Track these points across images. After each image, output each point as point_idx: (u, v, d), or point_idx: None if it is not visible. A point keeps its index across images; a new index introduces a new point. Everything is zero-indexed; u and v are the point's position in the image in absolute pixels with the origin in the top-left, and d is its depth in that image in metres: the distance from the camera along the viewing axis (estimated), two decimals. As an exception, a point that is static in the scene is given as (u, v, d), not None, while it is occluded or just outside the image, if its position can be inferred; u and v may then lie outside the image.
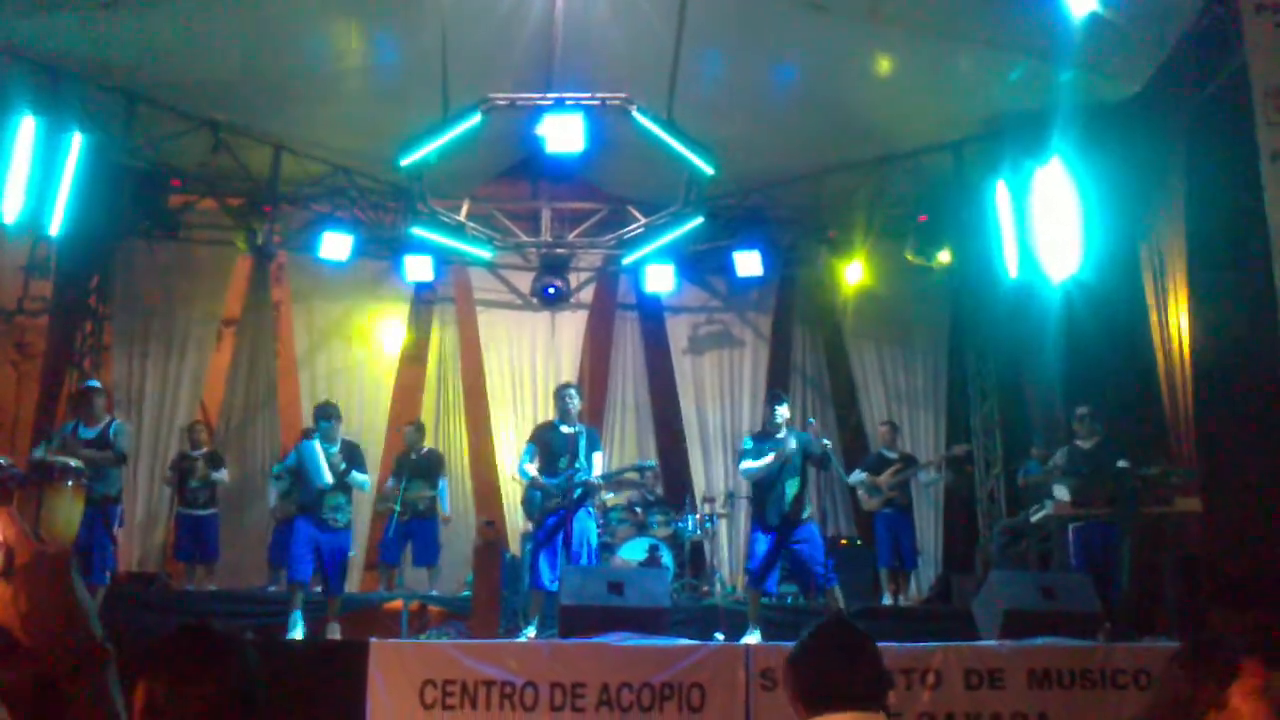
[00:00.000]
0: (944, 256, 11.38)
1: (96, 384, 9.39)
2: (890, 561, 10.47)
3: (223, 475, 10.39)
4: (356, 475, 8.52)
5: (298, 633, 7.94)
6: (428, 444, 11.03)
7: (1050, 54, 8.36)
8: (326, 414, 8.62)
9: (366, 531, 11.50)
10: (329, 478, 8.27)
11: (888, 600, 10.28)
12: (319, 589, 8.55)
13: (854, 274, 11.55)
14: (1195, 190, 8.62)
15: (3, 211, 8.96)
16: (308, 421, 10.85)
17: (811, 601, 9.08)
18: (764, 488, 8.13)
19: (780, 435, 8.15)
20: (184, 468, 10.33)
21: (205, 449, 10.44)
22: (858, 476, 10.65)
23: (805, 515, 8.02)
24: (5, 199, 8.92)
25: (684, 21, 8.35)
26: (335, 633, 8.17)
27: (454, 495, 11.76)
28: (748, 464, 8.17)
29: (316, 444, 8.42)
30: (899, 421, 11.86)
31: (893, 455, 10.77)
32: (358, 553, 11.41)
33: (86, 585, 1.20)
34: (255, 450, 11.96)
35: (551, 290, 11.63)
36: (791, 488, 8.00)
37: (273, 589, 10.00)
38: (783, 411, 8.23)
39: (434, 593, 9.92)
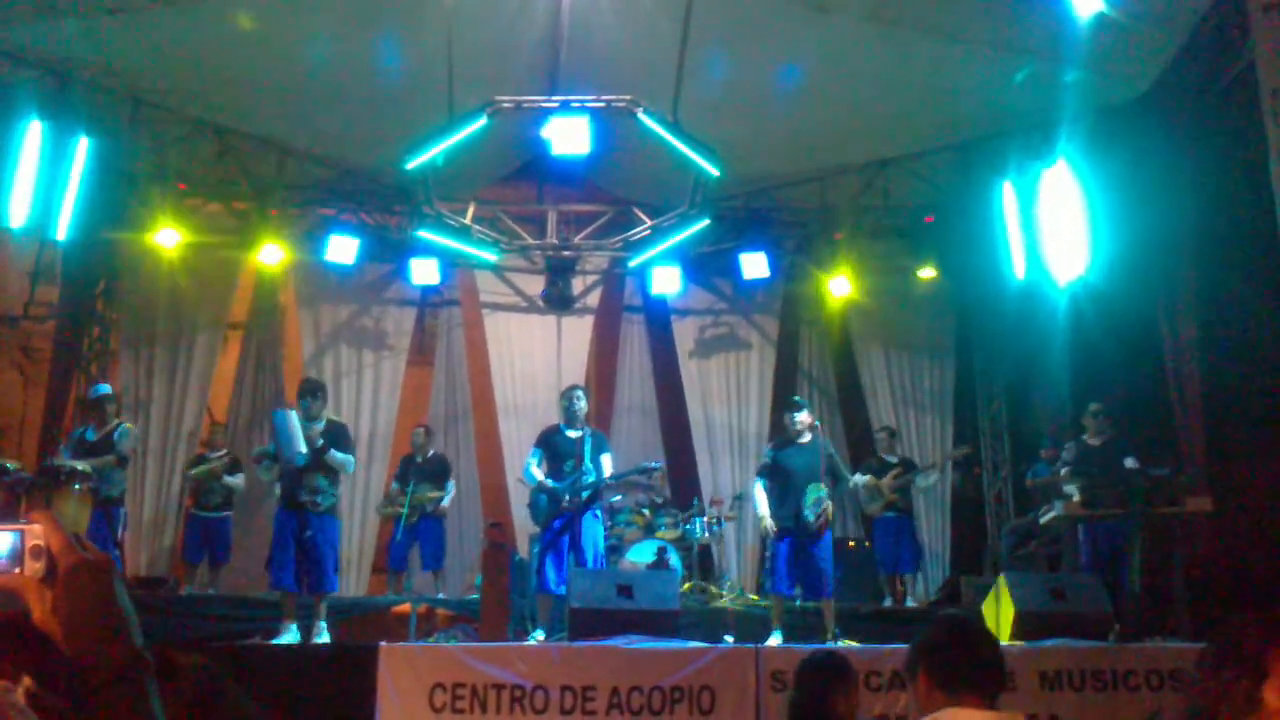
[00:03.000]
0: (926, 272, 11.45)
1: (105, 389, 9.38)
2: (890, 566, 10.47)
3: (239, 481, 10.39)
4: (337, 454, 7.81)
5: (286, 640, 7.47)
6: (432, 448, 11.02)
7: (1056, 54, 8.35)
8: (309, 390, 7.97)
9: (374, 535, 11.51)
10: (303, 448, 7.54)
11: (889, 603, 10.26)
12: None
13: (860, 276, 11.54)
14: (1203, 191, 8.60)
15: (9, 216, 8.97)
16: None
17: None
18: (781, 493, 8.11)
19: (804, 440, 8.14)
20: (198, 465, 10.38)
21: (223, 451, 10.48)
22: (860, 480, 10.63)
23: (819, 520, 7.97)
24: (12, 204, 8.93)
25: (689, 23, 8.34)
26: (323, 635, 7.65)
27: (461, 498, 11.77)
28: (757, 489, 8.27)
29: (292, 413, 7.69)
30: (906, 423, 11.87)
31: (893, 460, 10.76)
32: (363, 557, 11.46)
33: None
34: (262, 454, 11.98)
35: (546, 293, 11.64)
36: (812, 492, 7.95)
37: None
38: (801, 419, 8.19)
39: (441, 596, 9.91)
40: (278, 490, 8.00)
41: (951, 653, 2.63)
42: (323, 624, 7.72)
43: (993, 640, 2.72)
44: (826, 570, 7.94)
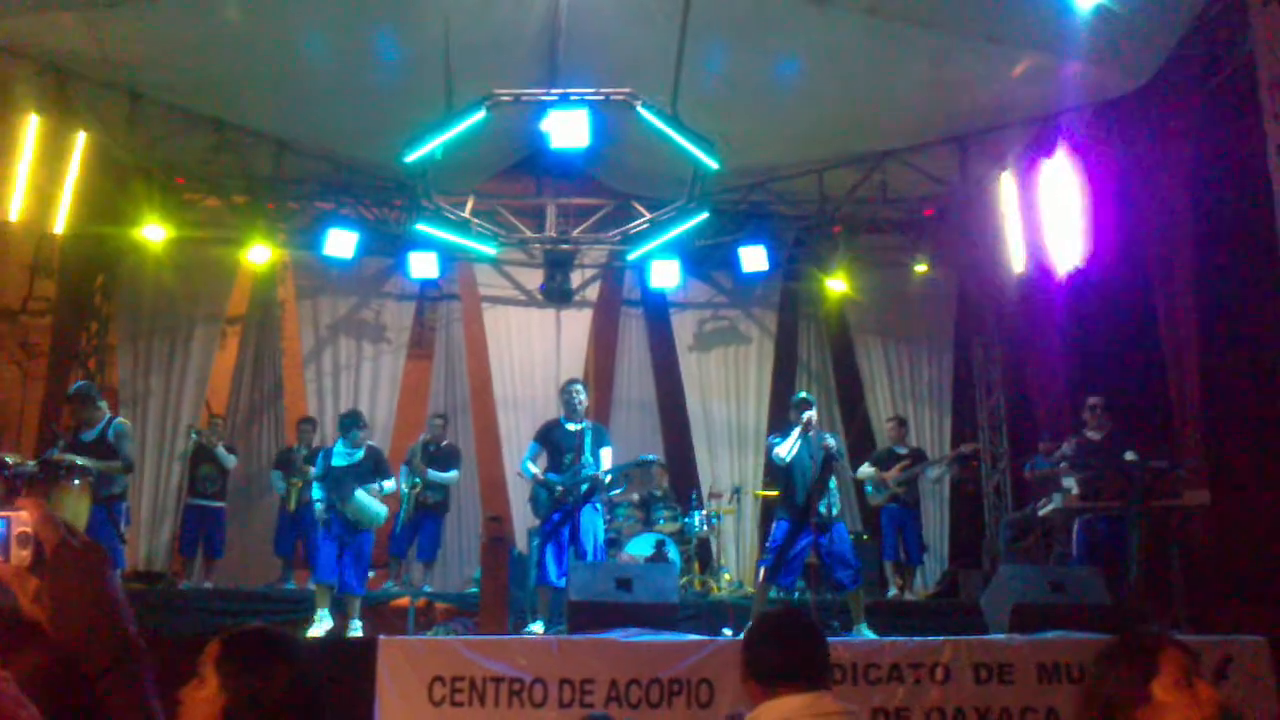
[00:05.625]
0: (925, 266, 11.47)
1: (82, 385, 9.30)
2: (895, 556, 10.48)
3: (231, 459, 10.46)
4: (386, 486, 8.63)
5: (319, 630, 8.02)
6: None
7: (1056, 47, 8.34)
8: (351, 423, 8.68)
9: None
10: (384, 515, 8.51)
11: (893, 594, 10.28)
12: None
13: (859, 269, 11.52)
14: (1201, 184, 8.60)
15: (7, 210, 8.95)
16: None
17: (818, 597, 9.05)
18: (790, 478, 8.05)
19: (809, 436, 8.07)
20: (199, 455, 10.38)
21: (222, 442, 10.53)
22: (865, 471, 10.64)
23: (835, 514, 7.97)
24: (10, 198, 8.91)
25: (688, 16, 8.32)
26: (357, 630, 8.23)
27: (461, 492, 11.77)
28: (778, 450, 8.10)
29: (366, 493, 8.37)
30: (905, 416, 11.85)
31: (902, 451, 10.75)
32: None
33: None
34: (261, 448, 12.00)
35: (545, 286, 11.62)
36: (820, 481, 7.93)
37: (292, 586, 10.05)
38: (812, 415, 8.12)
39: (427, 589, 9.90)
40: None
41: (766, 649, 2.67)
42: (357, 621, 8.33)
43: (812, 634, 2.74)
44: (850, 561, 7.92)
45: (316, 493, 8.66)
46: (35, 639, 1.15)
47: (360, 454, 8.53)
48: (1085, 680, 2.45)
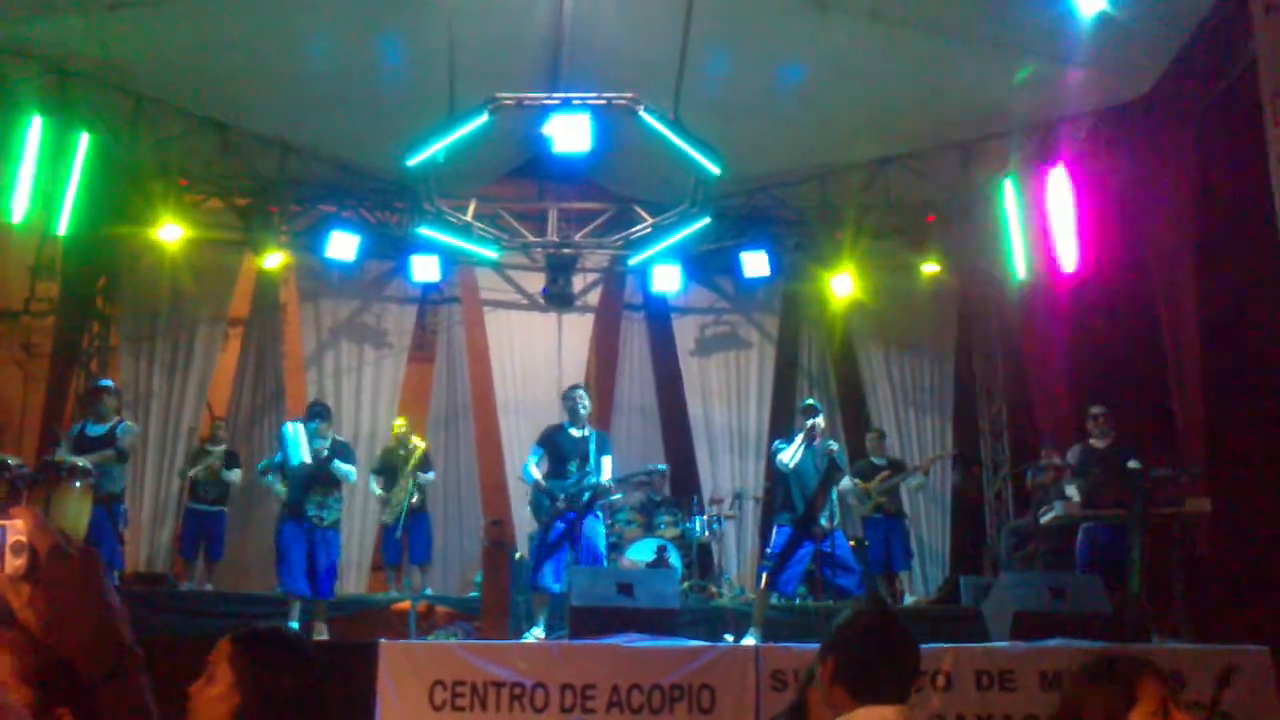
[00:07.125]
0: (928, 271, 11.45)
1: (108, 383, 9.39)
2: (881, 568, 10.46)
3: (236, 475, 10.40)
4: (340, 465, 8.56)
5: None
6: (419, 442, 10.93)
7: (1059, 53, 8.35)
8: (315, 413, 8.70)
9: (374, 533, 11.49)
10: (305, 457, 8.28)
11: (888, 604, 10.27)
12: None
13: (861, 275, 11.52)
14: (1204, 190, 8.60)
15: (10, 211, 8.96)
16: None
17: (820, 603, 9.05)
18: (793, 484, 8.02)
19: (814, 444, 8.06)
20: (198, 462, 10.38)
21: (221, 446, 10.49)
22: (846, 484, 10.58)
23: (835, 523, 7.96)
24: (13, 199, 8.92)
25: (690, 21, 8.33)
26: (323, 634, 8.17)
27: (461, 496, 11.75)
28: (782, 456, 8.06)
29: (300, 426, 8.45)
30: (907, 423, 11.85)
31: (880, 462, 10.75)
32: (362, 555, 11.44)
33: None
34: (262, 451, 11.92)
35: (547, 290, 11.62)
36: (823, 488, 7.94)
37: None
38: (819, 423, 8.09)
39: (429, 591, 9.89)
40: (283, 501, 8.66)
41: (863, 656, 2.54)
42: (323, 625, 8.26)
43: (909, 644, 2.61)
44: (853, 567, 7.94)
45: (276, 486, 8.80)
46: (29, 647, 1.14)
47: (322, 443, 8.52)
48: (1062, 697, 2.41)
